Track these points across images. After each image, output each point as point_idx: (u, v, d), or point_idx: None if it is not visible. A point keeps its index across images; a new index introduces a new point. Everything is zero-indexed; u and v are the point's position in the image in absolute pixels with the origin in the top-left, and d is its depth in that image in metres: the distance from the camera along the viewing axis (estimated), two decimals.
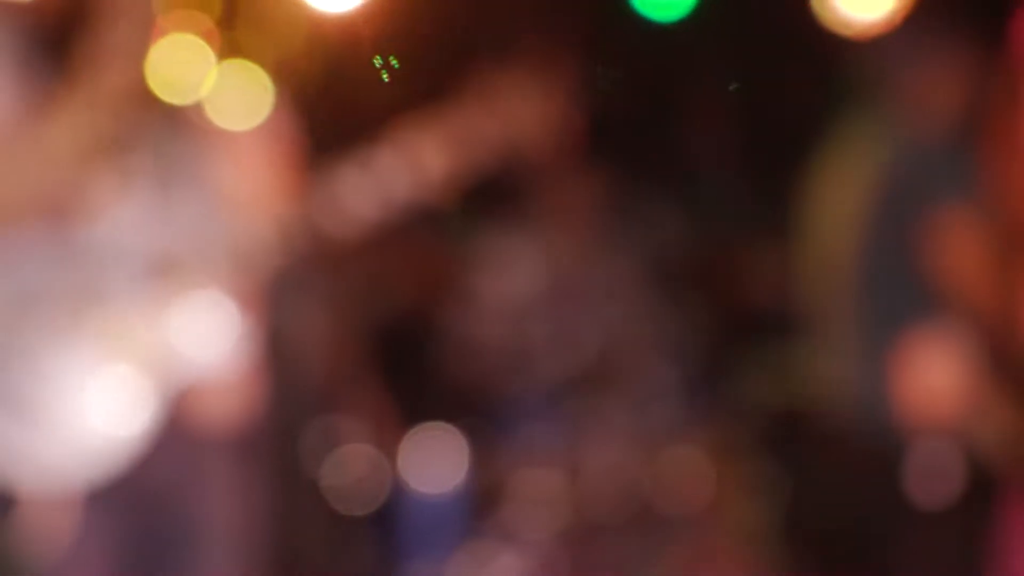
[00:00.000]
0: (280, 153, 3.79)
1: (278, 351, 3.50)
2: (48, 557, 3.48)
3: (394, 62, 3.75)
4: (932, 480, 3.93)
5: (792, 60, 6.30)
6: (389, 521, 5.78)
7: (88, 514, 3.44)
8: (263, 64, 3.62)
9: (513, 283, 6.25)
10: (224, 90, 3.56)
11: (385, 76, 3.86)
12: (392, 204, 3.68)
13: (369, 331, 6.13)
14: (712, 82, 6.66)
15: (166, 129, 3.76)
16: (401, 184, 3.70)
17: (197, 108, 3.55)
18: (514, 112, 4.01)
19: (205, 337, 3.48)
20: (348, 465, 5.49)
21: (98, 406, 3.42)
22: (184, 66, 3.46)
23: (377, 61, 3.83)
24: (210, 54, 3.46)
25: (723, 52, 6.21)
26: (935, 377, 3.97)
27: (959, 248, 4.49)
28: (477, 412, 5.92)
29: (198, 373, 3.49)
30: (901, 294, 4.63)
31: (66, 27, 3.62)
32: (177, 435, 3.53)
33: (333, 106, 5.35)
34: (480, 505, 5.76)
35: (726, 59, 5.93)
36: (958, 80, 4.70)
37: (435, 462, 5.81)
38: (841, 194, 4.79)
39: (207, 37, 3.42)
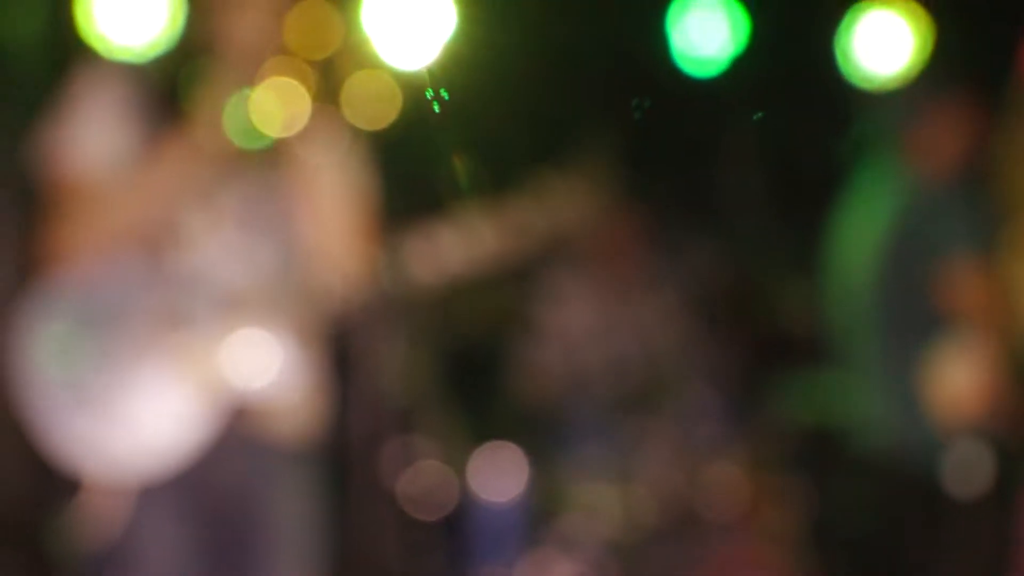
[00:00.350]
0: (357, 204, 3.82)
1: (361, 375, 3.60)
2: (106, 548, 3.54)
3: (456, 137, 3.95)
4: (965, 480, 3.99)
5: (818, 111, 6.46)
6: (458, 528, 5.88)
7: (148, 510, 3.53)
8: (348, 116, 3.59)
9: (570, 315, 6.38)
10: (312, 136, 3.54)
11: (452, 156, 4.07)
12: (446, 272, 3.80)
13: (442, 358, 6.35)
14: (747, 130, 6.78)
15: (255, 170, 3.79)
16: (456, 257, 3.82)
17: (285, 151, 3.58)
18: (564, 210, 4.05)
19: (270, 360, 3.54)
20: (422, 477, 5.61)
21: (167, 412, 3.48)
22: (276, 110, 3.51)
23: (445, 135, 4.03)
24: (302, 100, 3.52)
25: (757, 103, 6.34)
26: (960, 385, 4.00)
27: (969, 288, 4.53)
28: (538, 430, 5.98)
29: (262, 391, 3.54)
30: (918, 323, 4.64)
31: (176, 81, 3.67)
32: (241, 445, 3.58)
33: (406, 171, 5.54)
34: (540, 515, 5.83)
35: (760, 109, 6.07)
36: (963, 131, 4.78)
37: (499, 475, 5.93)
38: (862, 233, 4.84)
39: (301, 83, 3.48)
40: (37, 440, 3.54)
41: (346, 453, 4.16)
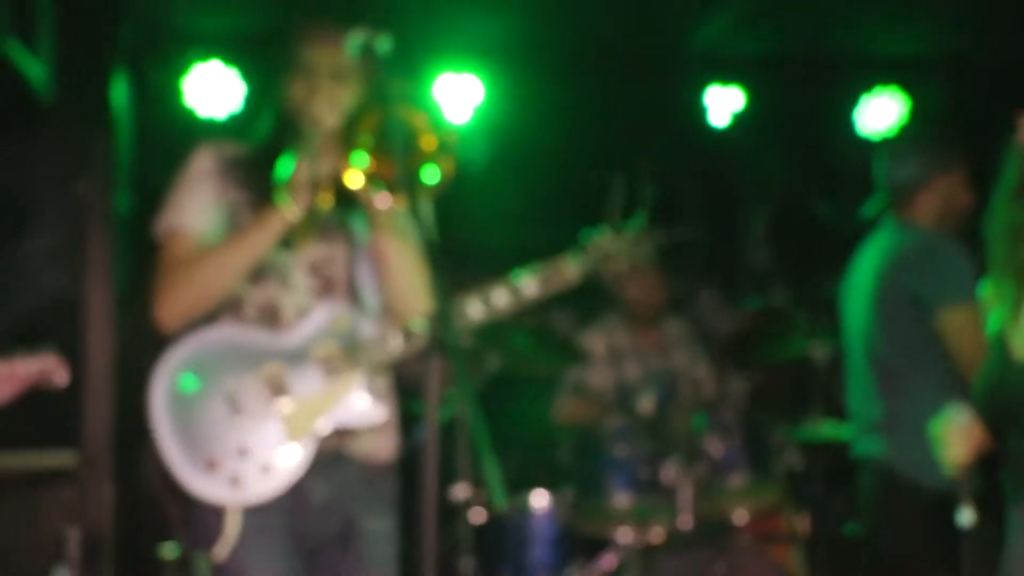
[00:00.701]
0: (425, 266, 3.75)
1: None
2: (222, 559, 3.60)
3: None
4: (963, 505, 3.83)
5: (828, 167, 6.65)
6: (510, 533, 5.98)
7: (257, 525, 3.60)
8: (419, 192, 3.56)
9: (612, 341, 6.69)
10: (388, 208, 3.58)
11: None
12: (495, 313, 3.73)
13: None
14: (757, 186, 6.96)
15: (342, 238, 3.87)
16: (504, 303, 3.72)
17: (370, 221, 3.68)
18: (608, 267, 3.91)
19: (358, 400, 3.66)
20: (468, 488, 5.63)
21: (273, 451, 3.59)
22: (360, 187, 3.55)
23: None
24: (383, 179, 3.54)
25: (770, 163, 6.52)
26: (959, 429, 3.76)
27: (959, 333, 4.49)
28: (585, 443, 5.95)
29: (352, 424, 3.67)
30: (918, 365, 4.64)
31: (274, 157, 3.72)
32: (334, 467, 3.69)
33: (464, 235, 5.62)
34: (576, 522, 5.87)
35: (772, 169, 6.25)
36: (959, 193, 4.85)
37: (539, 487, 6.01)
38: (864, 281, 4.84)
39: (373, 170, 3.52)
40: (166, 471, 3.59)
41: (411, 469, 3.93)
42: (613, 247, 3.80)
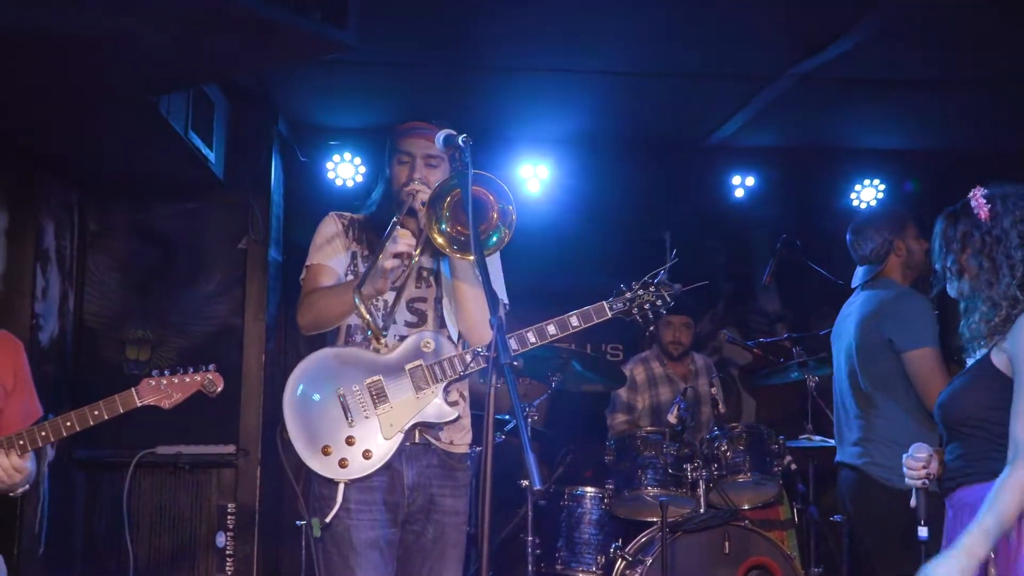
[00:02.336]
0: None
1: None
2: (332, 524, 3.59)
3: None
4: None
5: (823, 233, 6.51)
6: (564, 515, 5.90)
7: (360, 498, 3.61)
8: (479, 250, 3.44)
9: (647, 369, 6.69)
10: (461, 265, 3.61)
11: None
12: (546, 341, 3.70)
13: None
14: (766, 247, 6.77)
15: (431, 279, 3.84)
16: (552, 334, 3.68)
17: (453, 268, 3.66)
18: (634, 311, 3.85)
19: (442, 405, 3.65)
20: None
21: (372, 442, 3.61)
22: (443, 242, 3.52)
23: None
24: (454, 243, 3.52)
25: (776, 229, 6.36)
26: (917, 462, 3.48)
27: (922, 370, 4.34)
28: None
29: (436, 423, 3.65)
30: (889, 392, 4.48)
31: (382, 222, 3.64)
32: (425, 456, 3.69)
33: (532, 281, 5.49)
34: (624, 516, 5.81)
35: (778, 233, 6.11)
36: (912, 244, 4.69)
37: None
38: (849, 327, 4.67)
39: (452, 233, 3.49)
40: (294, 456, 3.61)
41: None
42: (640, 295, 3.78)
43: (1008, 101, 6.15)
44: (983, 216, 3.30)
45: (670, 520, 5.31)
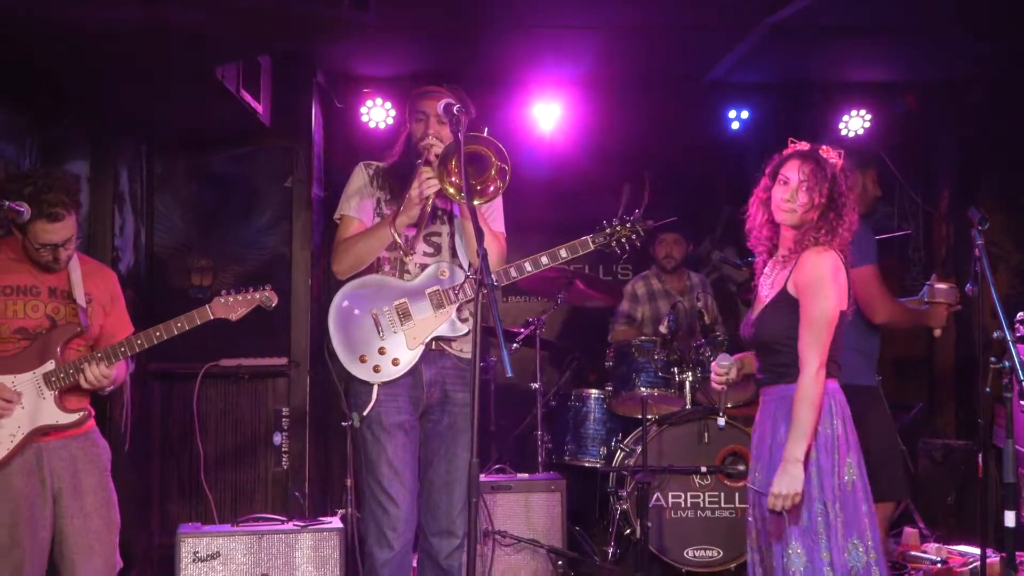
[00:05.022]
0: (498, 233, 4.30)
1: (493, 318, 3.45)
2: (368, 417, 4.05)
3: None
4: None
5: None
6: (571, 413, 6.34)
7: (390, 393, 4.11)
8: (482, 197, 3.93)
9: (646, 284, 6.91)
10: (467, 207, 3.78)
11: None
12: (540, 269, 4.05)
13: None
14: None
15: (447, 217, 4.24)
16: (545, 264, 4.05)
17: (465, 210, 3.90)
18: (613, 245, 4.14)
19: (455, 321, 4.10)
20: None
21: (400, 350, 4.09)
22: (455, 189, 3.90)
23: None
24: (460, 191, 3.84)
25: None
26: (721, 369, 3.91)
27: (863, 285, 4.59)
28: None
29: (451, 335, 4.11)
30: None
31: (402, 177, 4.17)
32: (439, 358, 4.16)
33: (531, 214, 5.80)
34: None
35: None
36: (869, 184, 5.03)
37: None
38: None
39: (459, 183, 3.80)
40: (338, 364, 4.12)
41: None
42: (618, 231, 4.14)
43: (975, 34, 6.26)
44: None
45: (660, 416, 5.85)
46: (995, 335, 3.80)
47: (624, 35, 6.32)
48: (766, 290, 3.87)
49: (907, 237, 7.67)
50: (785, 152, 3.85)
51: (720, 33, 6.31)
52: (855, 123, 7.57)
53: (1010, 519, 3.61)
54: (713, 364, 4.00)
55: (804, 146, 3.82)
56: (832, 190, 3.76)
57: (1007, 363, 3.65)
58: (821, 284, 3.66)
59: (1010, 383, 3.67)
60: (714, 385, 4.01)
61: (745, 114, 7.60)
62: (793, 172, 3.79)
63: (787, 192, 3.79)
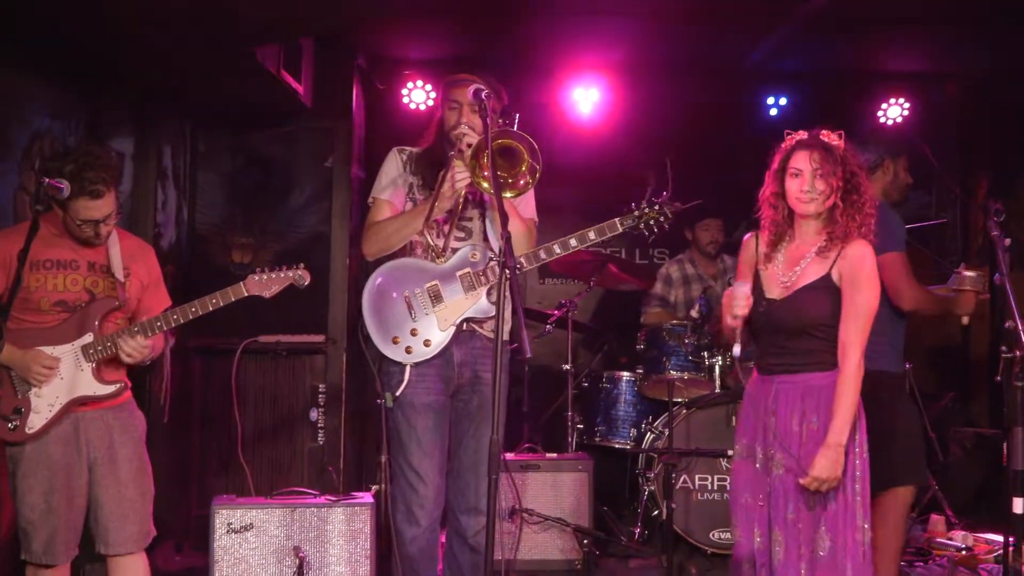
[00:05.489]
0: (526, 220, 4.30)
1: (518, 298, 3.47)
2: (400, 397, 4.10)
3: None
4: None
5: None
6: (602, 395, 6.49)
7: (421, 373, 4.12)
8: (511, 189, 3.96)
9: (678, 269, 6.90)
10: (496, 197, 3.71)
11: None
12: (568, 251, 4.08)
13: None
14: None
15: (478, 209, 4.27)
16: (574, 246, 4.06)
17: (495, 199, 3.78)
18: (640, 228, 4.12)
19: (485, 303, 4.12)
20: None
21: (431, 332, 4.12)
22: (483, 179, 3.95)
23: None
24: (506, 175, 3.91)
25: None
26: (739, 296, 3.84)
27: (891, 271, 4.56)
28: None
29: (481, 316, 4.13)
30: None
31: (433, 164, 4.20)
32: (470, 339, 4.20)
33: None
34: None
35: None
36: (901, 172, 4.96)
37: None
38: None
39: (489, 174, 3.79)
40: (371, 345, 4.16)
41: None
42: (646, 213, 4.13)
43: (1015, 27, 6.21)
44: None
45: (688, 399, 5.86)
46: (1007, 325, 3.80)
47: (662, 22, 6.33)
48: (788, 277, 3.87)
49: (944, 226, 7.57)
50: (785, 146, 3.87)
51: (759, 19, 6.31)
52: (893, 111, 7.59)
53: (1019, 506, 3.66)
54: (733, 290, 3.90)
55: (803, 135, 3.83)
56: (846, 171, 3.79)
57: (1018, 352, 3.69)
58: (871, 276, 3.76)
59: (1021, 372, 3.70)
60: (737, 313, 3.87)
61: (784, 101, 7.61)
62: (804, 163, 3.80)
63: (804, 184, 3.81)
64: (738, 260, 4.13)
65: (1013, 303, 3.81)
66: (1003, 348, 3.84)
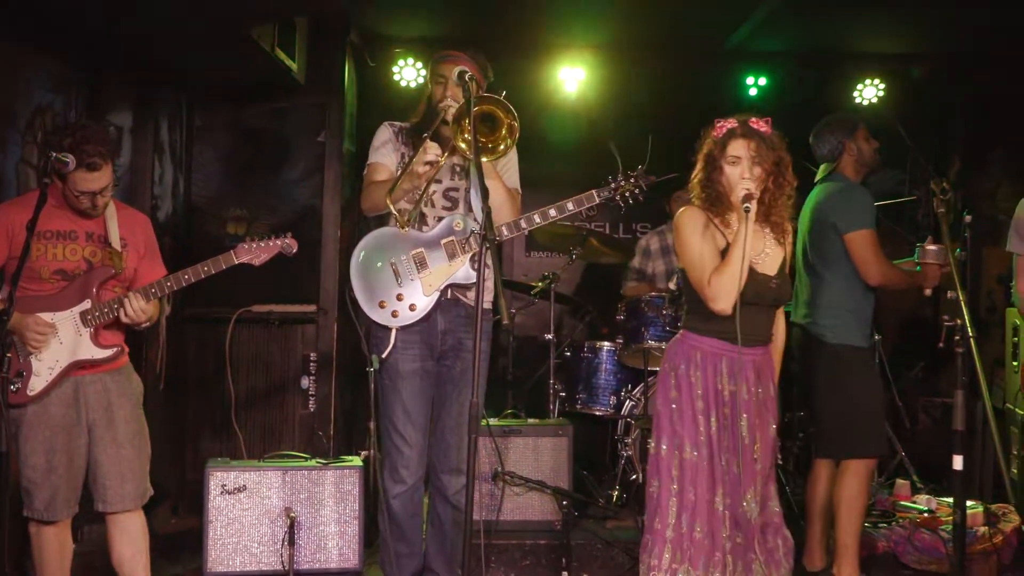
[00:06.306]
0: (510, 186, 4.36)
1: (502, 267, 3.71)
2: (385, 361, 4.15)
3: None
4: None
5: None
6: (583, 364, 6.36)
7: (406, 338, 4.24)
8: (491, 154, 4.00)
9: (653, 241, 6.86)
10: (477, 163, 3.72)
11: None
12: (548, 222, 4.13)
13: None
14: None
15: (463, 173, 4.32)
16: (553, 216, 4.12)
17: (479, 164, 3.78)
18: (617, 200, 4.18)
19: (467, 270, 4.17)
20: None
21: (416, 297, 4.19)
22: (467, 145, 3.94)
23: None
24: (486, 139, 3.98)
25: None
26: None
27: (860, 249, 4.71)
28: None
29: (464, 283, 4.18)
30: (832, 267, 4.81)
31: (427, 127, 4.21)
32: (453, 306, 4.26)
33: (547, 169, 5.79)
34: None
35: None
36: (862, 145, 4.98)
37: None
38: (807, 214, 4.94)
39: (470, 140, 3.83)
40: (359, 311, 4.17)
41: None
42: (622, 185, 4.20)
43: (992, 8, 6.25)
44: None
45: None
46: (948, 295, 4.00)
47: (646, 3, 6.35)
48: (756, 255, 3.95)
49: (916, 202, 7.63)
50: (716, 134, 3.90)
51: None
52: (869, 92, 7.60)
53: (958, 463, 3.84)
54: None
55: (733, 123, 3.88)
56: (774, 156, 3.87)
57: (959, 321, 3.86)
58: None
59: (961, 340, 3.89)
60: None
61: (763, 80, 7.61)
62: (741, 150, 3.86)
63: (743, 171, 3.87)
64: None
65: (956, 277, 4.00)
66: (945, 317, 4.08)
